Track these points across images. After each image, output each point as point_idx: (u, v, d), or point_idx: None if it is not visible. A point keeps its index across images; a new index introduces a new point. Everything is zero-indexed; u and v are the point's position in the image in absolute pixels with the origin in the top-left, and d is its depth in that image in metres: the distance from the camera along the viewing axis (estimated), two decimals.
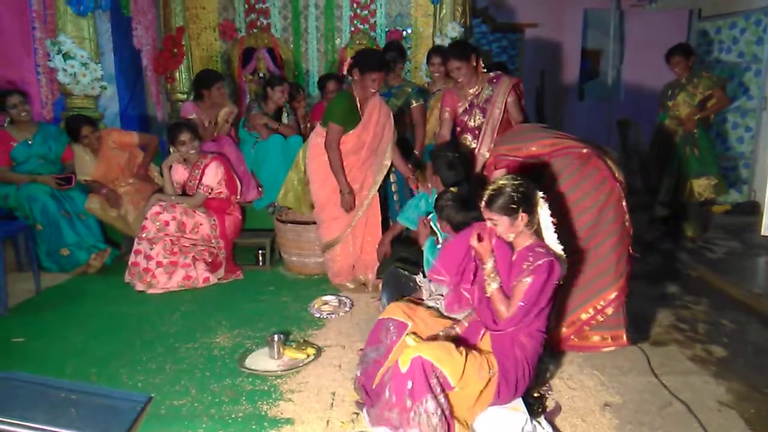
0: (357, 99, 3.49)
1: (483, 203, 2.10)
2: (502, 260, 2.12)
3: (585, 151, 2.57)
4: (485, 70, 3.55)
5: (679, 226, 4.70)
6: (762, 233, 4.58)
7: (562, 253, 2.13)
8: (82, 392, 0.98)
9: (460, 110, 3.50)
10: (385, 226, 3.68)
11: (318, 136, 3.58)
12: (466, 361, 1.94)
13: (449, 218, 2.65)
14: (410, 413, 1.88)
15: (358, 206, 3.57)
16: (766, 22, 5.57)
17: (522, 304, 2.00)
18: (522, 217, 2.06)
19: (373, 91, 3.43)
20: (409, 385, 1.89)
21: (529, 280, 1.99)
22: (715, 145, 5.13)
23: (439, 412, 1.88)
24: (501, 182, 2.09)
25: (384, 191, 3.80)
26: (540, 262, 2.00)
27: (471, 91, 3.45)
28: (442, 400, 1.91)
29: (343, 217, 3.58)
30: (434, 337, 2.18)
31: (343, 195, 3.50)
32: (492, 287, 2.08)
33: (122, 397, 0.96)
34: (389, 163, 3.58)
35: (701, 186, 4.51)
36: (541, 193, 2.14)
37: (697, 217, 4.69)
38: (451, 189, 2.74)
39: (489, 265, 2.10)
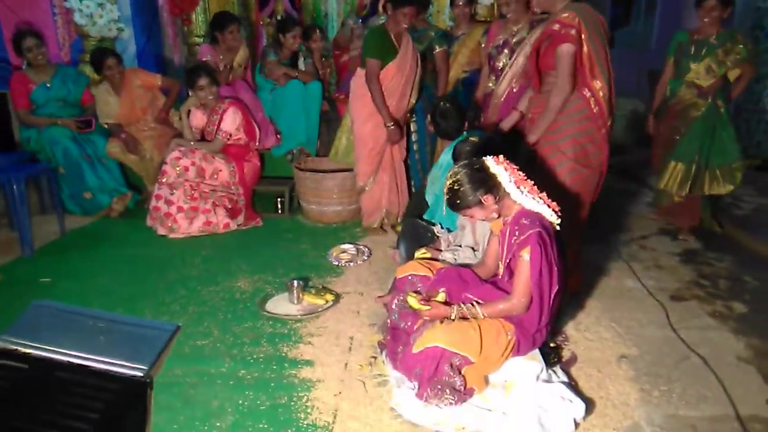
0: (391, 33, 3.49)
1: (449, 207, 2.09)
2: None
3: None
4: (538, 12, 3.43)
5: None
6: None
7: (551, 214, 2.01)
8: (111, 321, 1.00)
9: (495, 45, 3.41)
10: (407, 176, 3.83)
11: (359, 77, 3.60)
12: (482, 336, 1.92)
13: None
14: (421, 392, 1.91)
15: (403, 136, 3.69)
16: None
17: (533, 283, 1.93)
18: (486, 199, 2.00)
19: (404, 26, 3.43)
20: (418, 370, 1.91)
21: (527, 257, 1.92)
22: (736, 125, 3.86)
23: (448, 391, 1.89)
24: (449, 181, 2.04)
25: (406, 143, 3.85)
26: (526, 236, 1.93)
27: (514, 28, 3.36)
28: (454, 380, 1.89)
29: (381, 154, 3.67)
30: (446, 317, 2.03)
31: (388, 127, 3.53)
32: (479, 313, 1.97)
33: (151, 326, 0.98)
34: (415, 101, 3.71)
35: (726, 176, 3.54)
36: (491, 162, 2.04)
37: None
38: (471, 138, 2.69)
39: (454, 314, 1.98)
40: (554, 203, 2.03)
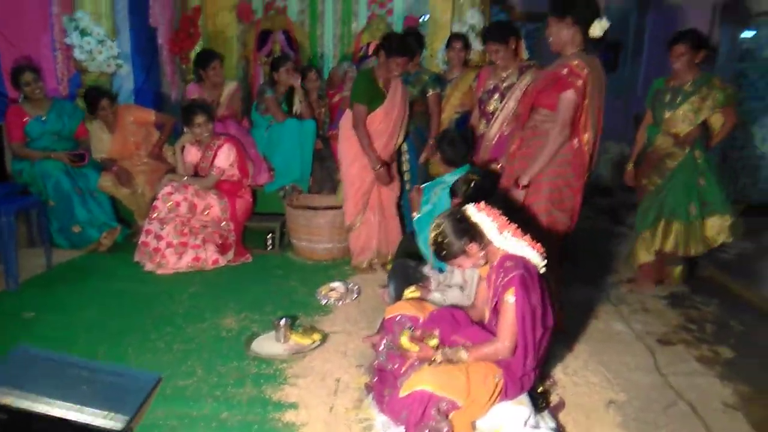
0: (380, 78, 3.59)
1: (436, 259, 2.14)
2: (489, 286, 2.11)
3: None
4: (527, 57, 3.53)
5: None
6: None
7: (536, 257, 2.02)
8: (94, 370, 0.99)
9: (486, 90, 3.49)
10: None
11: (347, 119, 3.68)
12: (469, 378, 1.91)
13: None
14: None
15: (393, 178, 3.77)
16: None
17: (518, 327, 1.93)
18: (471, 248, 2.04)
19: (396, 74, 3.54)
20: (404, 415, 1.89)
21: (511, 299, 1.93)
22: (722, 171, 3.61)
23: None
24: (433, 234, 2.08)
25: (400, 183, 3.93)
26: (509, 278, 1.95)
27: (503, 74, 3.44)
28: (441, 425, 1.87)
29: (368, 194, 3.72)
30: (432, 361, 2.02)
31: (376, 170, 3.61)
32: (464, 358, 1.97)
33: (133, 376, 0.97)
34: (401, 141, 3.80)
35: (714, 228, 3.39)
36: (472, 209, 2.08)
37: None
38: (471, 175, 2.77)
39: (438, 357, 1.97)
40: (538, 245, 2.05)
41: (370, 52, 3.98)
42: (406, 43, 3.52)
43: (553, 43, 2.63)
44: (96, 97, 4.14)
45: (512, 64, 3.41)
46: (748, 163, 5.95)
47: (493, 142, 3.44)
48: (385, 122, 3.61)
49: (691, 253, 3.41)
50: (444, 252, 2.07)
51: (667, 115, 3.36)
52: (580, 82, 2.49)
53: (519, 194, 2.63)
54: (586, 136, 2.58)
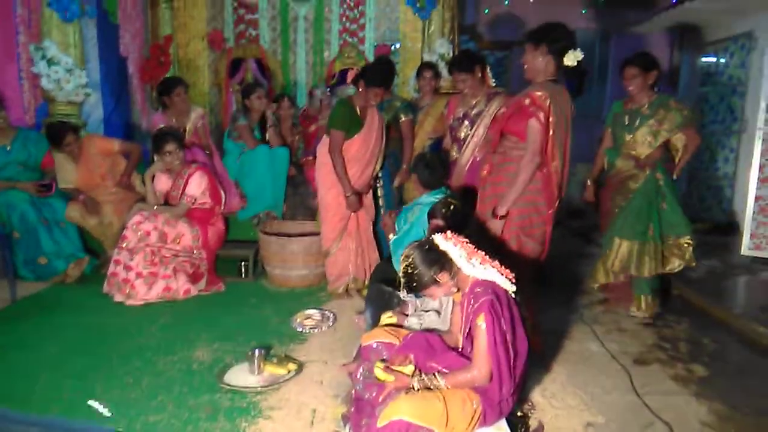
0: (357, 107, 3.64)
1: (406, 292, 2.12)
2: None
3: None
4: (494, 84, 3.61)
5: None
6: (742, 253, 4.67)
7: (505, 282, 2.02)
8: (43, 426, 0.93)
9: (455, 117, 3.57)
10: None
11: (324, 145, 3.70)
12: (447, 406, 1.89)
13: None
14: None
15: (364, 206, 3.79)
16: (749, 45, 5.70)
17: (489, 353, 1.92)
18: (441, 277, 2.05)
19: (373, 103, 3.62)
20: None
21: (482, 325, 1.92)
22: (688, 192, 3.67)
23: None
24: (403, 266, 2.08)
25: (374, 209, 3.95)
26: (479, 303, 1.95)
27: (472, 101, 3.52)
28: None
29: (345, 220, 3.73)
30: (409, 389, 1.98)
31: (348, 197, 3.62)
32: (441, 385, 1.95)
33: (86, 431, 0.91)
34: (379, 169, 3.85)
35: (672, 250, 3.41)
36: (440, 239, 2.08)
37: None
38: (450, 200, 2.79)
39: (415, 384, 1.95)
40: (507, 270, 2.06)
41: (349, 80, 4.03)
42: (384, 74, 3.60)
43: (528, 69, 2.69)
44: (60, 132, 4.01)
45: (480, 91, 3.50)
46: (712, 184, 6.14)
47: (467, 168, 3.52)
48: (362, 149, 3.65)
49: (644, 273, 3.36)
50: (415, 283, 2.06)
51: (627, 138, 3.40)
52: (541, 114, 2.53)
53: (497, 224, 2.63)
54: (554, 165, 2.61)
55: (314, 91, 4.96)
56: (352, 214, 3.73)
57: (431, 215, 2.83)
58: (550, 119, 2.53)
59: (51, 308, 3.49)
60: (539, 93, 2.55)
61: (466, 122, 3.52)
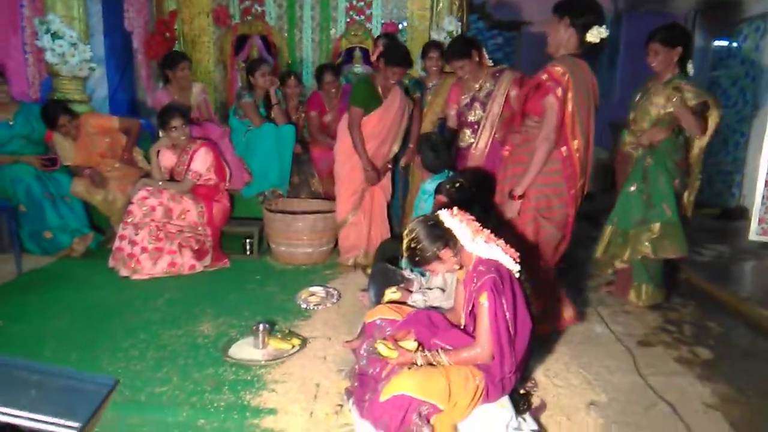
0: (378, 85, 3.69)
1: (410, 265, 2.13)
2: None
3: None
4: (491, 64, 3.55)
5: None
6: (750, 238, 4.62)
7: (509, 261, 2.00)
8: (45, 373, 0.92)
9: (462, 104, 3.53)
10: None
11: (345, 121, 3.79)
12: (449, 382, 1.89)
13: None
14: None
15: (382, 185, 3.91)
16: (764, 28, 5.59)
17: (492, 331, 1.91)
18: (444, 254, 2.03)
19: (392, 82, 3.65)
20: (385, 420, 1.85)
21: (485, 303, 1.92)
22: (674, 178, 3.15)
23: None
24: (406, 241, 2.07)
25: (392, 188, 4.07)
26: (482, 282, 1.94)
27: (476, 85, 3.47)
28: (422, 429, 1.84)
29: (359, 194, 3.84)
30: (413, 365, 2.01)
31: (366, 171, 3.75)
32: (444, 360, 1.96)
33: (88, 380, 0.91)
34: (397, 149, 3.90)
35: (637, 238, 3.17)
36: (445, 215, 2.06)
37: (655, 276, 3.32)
38: (458, 179, 2.78)
39: (419, 360, 1.97)
40: (512, 250, 2.04)
41: (374, 58, 4.01)
42: (404, 54, 3.62)
43: (550, 43, 2.61)
44: (53, 114, 3.93)
45: (480, 74, 3.45)
46: (723, 169, 6.08)
47: (486, 149, 3.43)
48: (378, 127, 3.71)
49: (625, 258, 3.23)
50: (418, 258, 2.06)
51: (632, 114, 3.28)
52: (559, 90, 2.45)
53: (515, 205, 2.60)
54: (576, 143, 2.52)
55: (325, 75, 4.74)
56: (368, 191, 3.83)
57: (437, 191, 2.81)
58: (569, 95, 2.46)
59: (57, 282, 3.51)
60: (557, 68, 2.48)
61: (477, 105, 3.46)
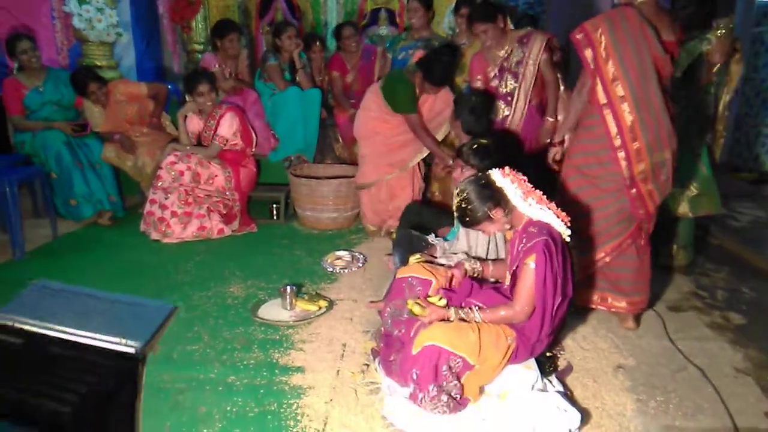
0: (417, 88, 3.53)
1: (460, 224, 2.11)
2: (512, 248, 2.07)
3: None
4: (512, 27, 3.40)
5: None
6: None
7: (560, 225, 1.97)
8: (110, 301, 1.03)
9: (491, 75, 3.32)
10: None
11: (372, 93, 3.69)
12: (480, 338, 1.89)
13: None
14: (416, 395, 1.87)
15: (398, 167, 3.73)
16: None
17: (535, 293, 1.90)
18: (495, 213, 1.99)
19: (426, 93, 3.54)
20: (414, 373, 1.87)
21: (532, 265, 1.89)
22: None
23: (444, 398, 1.85)
24: (457, 199, 2.05)
25: None
26: (532, 244, 1.90)
27: (500, 53, 3.26)
28: (450, 385, 1.86)
29: (380, 168, 3.69)
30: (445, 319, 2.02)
31: (440, 161, 3.61)
32: (478, 318, 1.95)
33: (148, 306, 0.99)
34: (442, 137, 3.69)
35: (674, 197, 3.07)
36: (497, 175, 2.03)
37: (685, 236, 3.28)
38: (480, 140, 2.67)
39: (453, 316, 1.96)
40: (563, 213, 2.01)
41: (414, 59, 3.78)
42: (444, 72, 3.45)
43: None
44: (83, 81, 3.96)
45: (504, 40, 3.25)
46: (761, 132, 5.83)
47: (524, 115, 3.27)
48: (401, 127, 3.61)
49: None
50: (468, 218, 2.03)
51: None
52: (588, 51, 2.32)
53: (553, 151, 2.66)
54: (624, 105, 2.31)
55: (344, 31, 4.68)
56: (395, 178, 3.71)
57: (457, 154, 2.72)
58: (599, 49, 2.30)
59: (91, 245, 3.61)
60: (589, 21, 2.35)
61: (508, 75, 3.25)
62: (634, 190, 2.41)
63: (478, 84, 3.36)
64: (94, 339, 0.89)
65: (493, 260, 2.35)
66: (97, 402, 0.85)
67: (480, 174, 2.10)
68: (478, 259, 2.35)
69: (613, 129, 2.36)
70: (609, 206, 2.49)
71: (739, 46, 3.03)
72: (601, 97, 2.37)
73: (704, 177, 3.08)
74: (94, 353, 0.88)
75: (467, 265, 2.23)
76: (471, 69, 3.42)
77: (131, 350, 0.89)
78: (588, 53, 2.34)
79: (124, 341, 0.89)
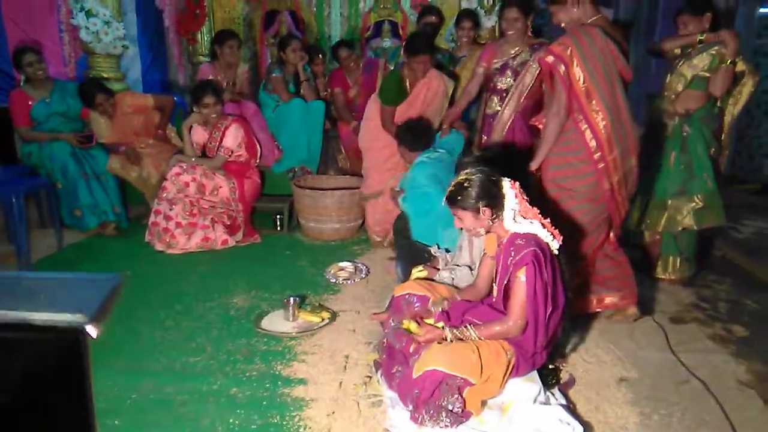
0: (407, 79, 3.57)
1: (445, 199, 2.06)
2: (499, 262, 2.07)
3: None
4: (531, 34, 3.45)
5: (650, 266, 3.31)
6: None
7: (548, 237, 1.99)
8: (53, 279, 0.98)
9: (494, 67, 3.40)
10: None
11: (373, 102, 3.77)
12: (481, 357, 1.89)
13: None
14: (416, 417, 1.88)
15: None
16: None
17: (526, 304, 1.90)
18: (484, 212, 1.99)
19: (419, 75, 3.51)
20: (415, 393, 1.87)
21: (523, 277, 1.90)
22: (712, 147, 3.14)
23: (444, 415, 1.86)
24: (461, 177, 2.03)
25: None
26: (521, 255, 1.91)
27: (511, 51, 3.35)
28: (451, 400, 1.87)
29: (383, 176, 3.74)
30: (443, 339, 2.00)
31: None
32: (474, 335, 1.95)
33: (94, 280, 0.95)
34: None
35: (678, 209, 3.11)
36: (507, 183, 2.04)
37: (686, 249, 3.24)
38: (478, 160, 2.71)
39: (449, 336, 1.95)
40: (556, 231, 2.02)
41: (384, 32, 3.99)
42: (423, 40, 3.50)
43: (566, 25, 2.53)
44: (91, 93, 4.01)
45: (521, 41, 3.32)
46: (763, 142, 5.85)
47: (512, 118, 3.34)
48: (406, 115, 3.59)
49: (659, 229, 3.19)
50: (459, 198, 2.01)
51: (667, 78, 3.15)
52: (562, 67, 2.38)
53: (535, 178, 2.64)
54: (600, 116, 2.40)
55: (340, 52, 4.74)
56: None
57: (457, 169, 2.73)
58: (572, 69, 2.36)
59: (96, 255, 3.64)
60: (557, 47, 2.40)
61: (508, 72, 3.34)
62: (613, 199, 2.53)
63: (480, 70, 3.43)
64: (39, 315, 0.85)
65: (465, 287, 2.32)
66: (37, 382, 0.81)
67: (492, 171, 2.08)
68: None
69: (593, 143, 2.44)
70: (585, 215, 2.56)
71: (748, 69, 3.11)
72: (576, 113, 2.44)
73: (709, 190, 3.09)
74: (30, 331, 0.83)
75: (432, 308, 2.15)
76: (482, 54, 3.49)
77: (74, 324, 0.82)
78: (561, 69, 2.39)
79: (70, 315, 0.85)
